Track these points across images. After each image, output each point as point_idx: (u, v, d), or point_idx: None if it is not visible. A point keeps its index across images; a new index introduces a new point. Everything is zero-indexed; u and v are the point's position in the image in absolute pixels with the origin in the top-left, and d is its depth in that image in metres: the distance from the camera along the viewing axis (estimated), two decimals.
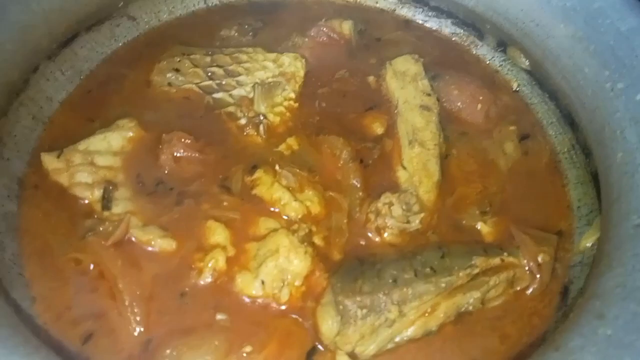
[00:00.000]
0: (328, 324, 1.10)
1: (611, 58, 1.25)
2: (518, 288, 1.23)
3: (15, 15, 1.23)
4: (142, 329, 1.10)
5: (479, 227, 1.32)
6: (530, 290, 1.23)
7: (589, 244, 1.26)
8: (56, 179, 1.29)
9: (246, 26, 1.70)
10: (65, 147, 1.33)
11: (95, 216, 1.25)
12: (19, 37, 1.24)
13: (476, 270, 1.18)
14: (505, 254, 1.23)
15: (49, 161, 1.31)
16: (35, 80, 1.39)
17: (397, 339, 1.12)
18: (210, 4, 1.76)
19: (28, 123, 1.37)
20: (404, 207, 1.29)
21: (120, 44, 1.61)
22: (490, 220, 1.33)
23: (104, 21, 1.54)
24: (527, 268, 1.23)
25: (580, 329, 0.86)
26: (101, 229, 1.21)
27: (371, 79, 1.60)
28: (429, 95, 1.50)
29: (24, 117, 1.36)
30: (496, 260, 1.21)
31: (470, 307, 1.18)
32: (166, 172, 1.34)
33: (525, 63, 1.59)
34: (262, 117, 1.45)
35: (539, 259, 1.24)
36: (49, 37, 1.35)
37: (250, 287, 1.16)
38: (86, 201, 1.27)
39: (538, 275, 1.23)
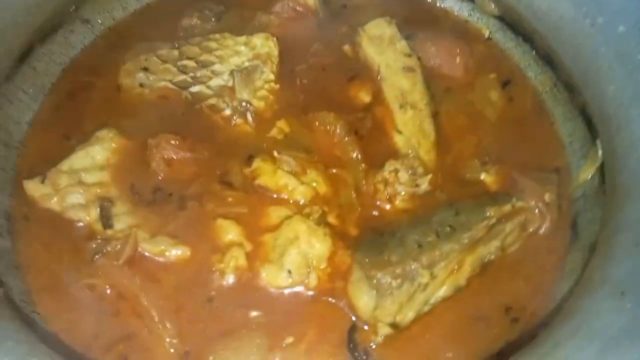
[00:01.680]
0: (364, 300, 1.10)
1: None
2: (531, 230, 1.26)
3: None
4: (177, 342, 1.07)
5: (482, 178, 1.35)
6: (543, 229, 1.27)
7: (588, 177, 1.31)
8: (46, 206, 1.22)
9: (207, 12, 1.62)
10: (46, 170, 1.25)
11: (99, 237, 1.18)
12: None
13: (493, 221, 1.20)
14: (514, 199, 1.26)
15: (34, 188, 1.23)
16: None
17: (431, 301, 1.14)
18: None
19: (1, 152, 1.26)
20: (409, 171, 1.29)
21: (78, 51, 1.50)
22: (491, 170, 1.35)
23: (57, 29, 1.43)
24: (536, 210, 1.27)
25: (620, 258, 0.90)
26: (109, 248, 1.15)
27: (347, 47, 1.57)
28: (409, 56, 1.49)
29: None
30: (507, 207, 1.24)
31: (492, 257, 1.21)
32: (160, 177, 1.28)
33: (494, 10, 1.60)
34: (246, 105, 1.40)
35: (545, 199, 1.27)
36: (4, 56, 1.24)
37: (277, 278, 1.15)
38: (83, 223, 1.21)
39: (547, 214, 1.27)
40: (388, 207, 1.28)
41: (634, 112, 1.10)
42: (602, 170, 1.25)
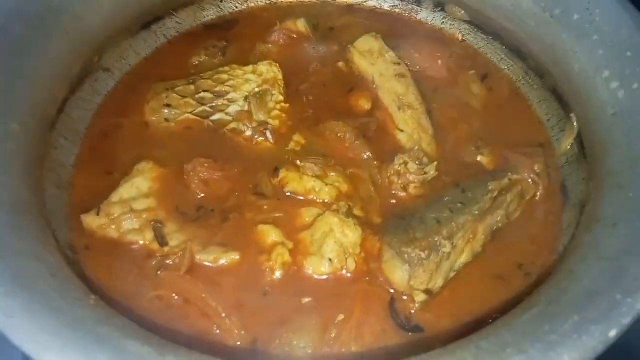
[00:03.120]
0: (399, 274, 1.27)
1: None
2: (528, 197, 1.46)
3: (23, 91, 1.28)
4: (244, 333, 1.21)
5: (479, 160, 1.54)
6: (538, 196, 1.47)
7: (568, 146, 1.52)
8: (105, 234, 1.35)
9: (212, 48, 1.80)
10: (96, 203, 1.39)
11: (158, 255, 1.33)
12: (30, 113, 1.29)
13: (495, 194, 1.39)
14: (509, 174, 1.46)
15: (91, 221, 1.37)
16: (46, 152, 1.42)
17: (455, 267, 1.31)
18: (169, 37, 1.84)
19: (55, 193, 1.40)
20: (417, 162, 1.48)
21: (103, 97, 1.66)
22: (485, 152, 1.55)
23: (84, 79, 1.58)
24: (530, 180, 1.47)
25: (608, 200, 1.09)
26: (170, 262, 1.29)
27: (341, 64, 1.77)
28: (398, 64, 1.70)
29: (50, 188, 1.39)
30: (505, 181, 1.44)
31: (500, 224, 1.40)
32: (201, 197, 1.43)
33: (464, 15, 1.82)
34: (265, 124, 1.58)
35: (536, 169, 1.48)
36: (51, 106, 1.40)
37: (320, 267, 1.31)
38: (141, 245, 1.35)
39: (539, 183, 1.47)
40: (403, 194, 1.46)
41: (598, 81, 1.32)
42: (579, 139, 1.47)
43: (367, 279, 1.31)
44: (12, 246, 0.96)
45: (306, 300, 1.27)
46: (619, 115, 1.21)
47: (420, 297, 1.26)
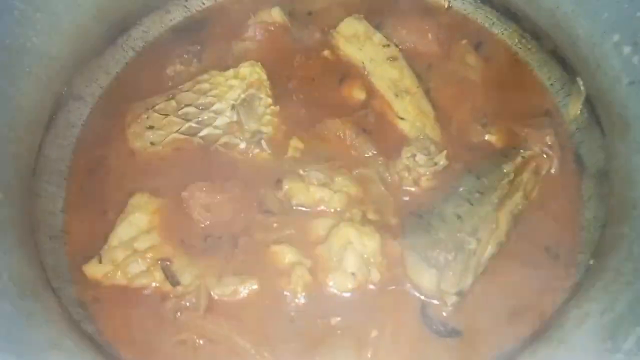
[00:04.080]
0: (427, 279, 1.22)
1: None
2: (544, 172, 1.40)
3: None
4: None
5: (487, 138, 1.47)
6: (553, 169, 1.41)
7: (577, 111, 1.45)
8: (112, 283, 1.28)
9: (185, 55, 1.67)
10: (96, 249, 1.31)
11: (172, 295, 1.26)
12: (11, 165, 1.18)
13: (511, 176, 1.33)
14: (521, 150, 1.40)
15: (94, 270, 1.29)
16: (31, 202, 1.32)
17: (483, 262, 1.26)
18: (138, 49, 1.70)
19: (49, 246, 1.31)
20: (425, 152, 1.40)
21: (79, 129, 1.54)
22: (492, 129, 1.48)
23: (56, 114, 1.46)
24: (543, 154, 1.40)
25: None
26: (187, 304, 1.23)
27: (327, 53, 1.65)
28: (388, 45, 1.59)
29: (44, 242, 1.31)
30: (519, 159, 1.38)
31: (520, 207, 1.34)
32: (205, 225, 1.35)
33: None
34: (258, 134, 1.48)
35: (547, 141, 1.42)
36: (29, 152, 1.28)
37: (344, 283, 1.25)
38: (152, 287, 1.27)
39: (553, 155, 1.41)
40: (415, 189, 1.40)
41: (607, 47, 1.24)
42: (589, 104, 1.39)
43: (394, 287, 1.26)
44: (28, 338, 0.88)
45: (335, 320, 1.22)
46: (638, 84, 1.13)
47: (452, 300, 1.22)
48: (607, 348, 0.77)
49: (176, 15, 1.75)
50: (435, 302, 1.23)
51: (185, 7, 1.77)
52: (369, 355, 1.16)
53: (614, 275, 0.90)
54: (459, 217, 1.26)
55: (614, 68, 1.20)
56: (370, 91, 1.57)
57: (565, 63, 1.48)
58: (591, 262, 1.11)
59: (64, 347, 0.90)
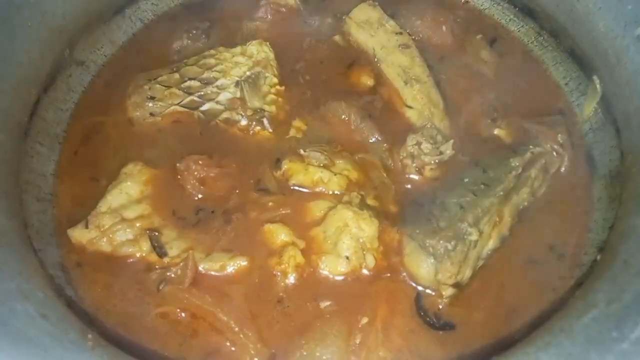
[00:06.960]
0: (424, 268, 1.16)
1: None
2: (553, 171, 1.35)
3: None
4: (261, 347, 1.11)
5: (496, 133, 1.43)
6: (563, 168, 1.36)
7: (591, 111, 1.40)
8: (96, 249, 1.23)
9: (194, 31, 1.64)
10: (85, 215, 1.26)
11: (157, 267, 1.21)
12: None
13: (519, 170, 1.28)
14: (531, 147, 1.34)
15: (79, 235, 1.24)
16: (21, 161, 1.28)
17: (483, 255, 1.21)
18: (146, 21, 1.68)
19: (36, 207, 1.27)
20: (431, 141, 1.35)
21: (79, 95, 1.50)
22: (502, 124, 1.43)
23: (56, 77, 1.43)
24: (553, 152, 1.35)
25: None
26: (172, 275, 1.18)
27: (337, 37, 1.62)
28: (400, 33, 1.55)
29: (31, 203, 1.26)
30: (528, 155, 1.33)
31: (526, 203, 1.29)
32: (198, 198, 1.31)
33: None
34: (261, 111, 1.44)
35: (559, 139, 1.36)
36: (22, 112, 1.25)
37: (337, 266, 1.20)
38: (138, 257, 1.23)
39: (564, 153, 1.36)
40: (418, 178, 1.35)
41: (628, 40, 1.19)
42: (605, 103, 1.34)
43: (389, 275, 1.20)
44: None
45: (325, 304, 1.16)
46: None
47: (449, 292, 1.16)
48: (613, 337, 0.71)
49: None
50: (431, 292, 1.17)
51: None
52: (357, 342, 1.10)
53: (622, 266, 0.85)
54: (461, 207, 1.21)
55: (634, 62, 1.15)
56: (379, 79, 1.53)
57: (582, 62, 1.44)
58: (598, 257, 1.05)
59: (34, 300, 0.84)
